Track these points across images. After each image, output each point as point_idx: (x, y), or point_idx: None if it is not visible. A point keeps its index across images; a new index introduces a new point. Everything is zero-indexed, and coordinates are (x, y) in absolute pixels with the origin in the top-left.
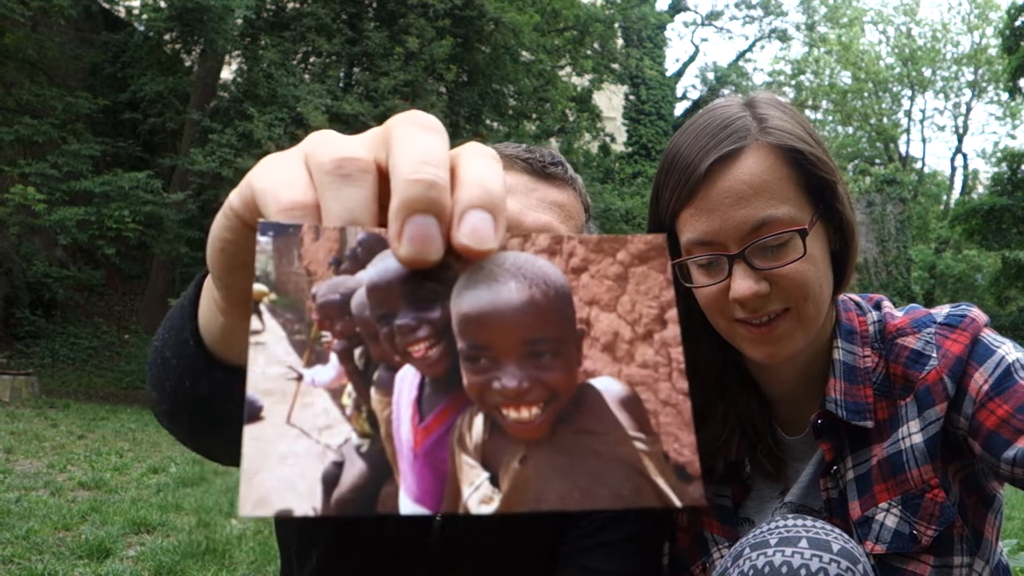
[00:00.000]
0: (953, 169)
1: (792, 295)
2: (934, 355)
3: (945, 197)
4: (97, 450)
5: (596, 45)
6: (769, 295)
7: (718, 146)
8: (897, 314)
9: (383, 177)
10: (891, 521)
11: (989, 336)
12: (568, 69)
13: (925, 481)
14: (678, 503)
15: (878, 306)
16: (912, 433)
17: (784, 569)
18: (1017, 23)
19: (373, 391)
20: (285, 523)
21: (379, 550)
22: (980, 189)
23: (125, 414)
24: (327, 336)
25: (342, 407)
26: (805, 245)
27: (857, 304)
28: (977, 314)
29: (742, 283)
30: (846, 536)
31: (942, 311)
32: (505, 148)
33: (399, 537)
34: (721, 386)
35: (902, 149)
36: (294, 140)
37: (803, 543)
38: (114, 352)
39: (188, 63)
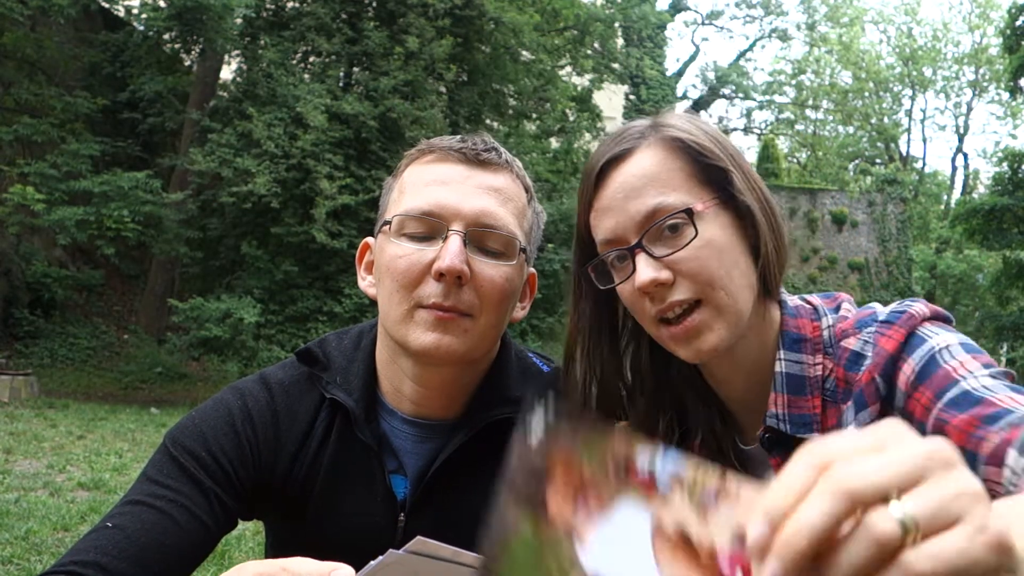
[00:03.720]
0: (954, 169)
1: (695, 281)
2: (869, 355)
3: (946, 197)
4: (96, 450)
5: (596, 45)
6: (674, 285)
7: (611, 149)
8: (849, 315)
9: None
10: None
11: (927, 328)
12: (568, 69)
13: None
14: None
15: (838, 308)
16: None
17: None
18: (1018, 22)
19: None
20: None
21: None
22: (981, 189)
23: (124, 414)
24: None
25: None
26: (696, 226)
27: (814, 308)
28: (919, 309)
29: (643, 271)
30: None
31: (887, 308)
32: (440, 141)
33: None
34: (670, 395)
35: (903, 149)
36: (293, 140)
37: None
38: (113, 352)
39: (187, 63)
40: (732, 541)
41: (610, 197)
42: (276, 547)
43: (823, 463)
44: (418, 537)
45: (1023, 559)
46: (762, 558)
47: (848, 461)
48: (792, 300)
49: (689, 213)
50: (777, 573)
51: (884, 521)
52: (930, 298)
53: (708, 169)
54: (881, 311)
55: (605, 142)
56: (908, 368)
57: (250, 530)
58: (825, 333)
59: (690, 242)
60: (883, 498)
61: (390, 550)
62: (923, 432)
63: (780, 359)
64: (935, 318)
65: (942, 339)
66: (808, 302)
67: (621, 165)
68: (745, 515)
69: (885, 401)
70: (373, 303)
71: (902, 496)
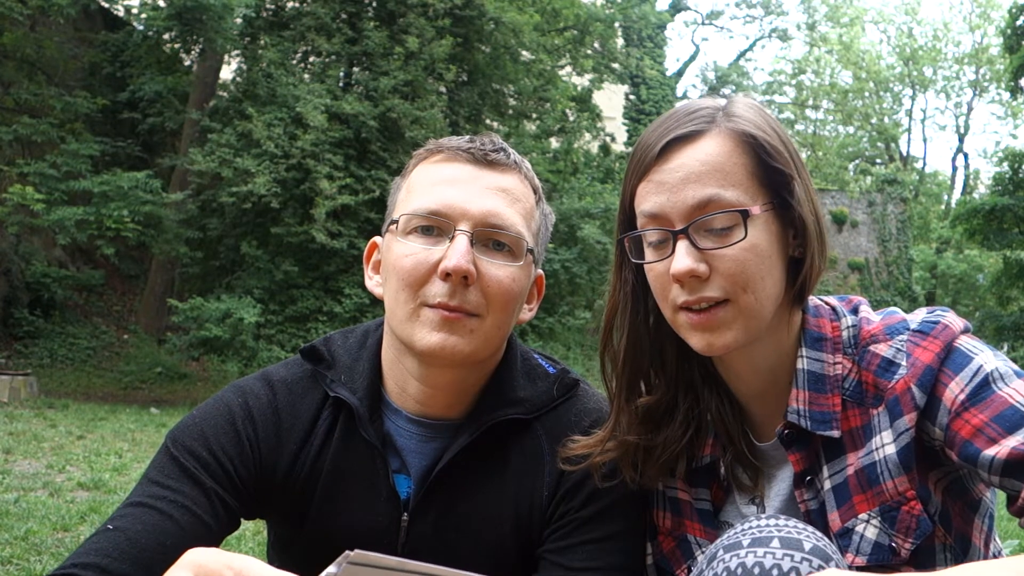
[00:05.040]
0: (954, 169)
1: (730, 282)
2: (903, 363)
3: (946, 197)
4: (96, 450)
5: (596, 45)
6: (708, 280)
7: (680, 127)
8: (873, 319)
9: None
10: (871, 533)
11: (966, 343)
12: (568, 69)
13: (901, 493)
14: None
15: (855, 310)
16: (885, 444)
17: (756, 570)
18: (1019, 22)
19: None
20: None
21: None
22: (981, 189)
23: (124, 414)
24: None
25: None
26: (747, 228)
27: (833, 309)
28: (951, 320)
29: (681, 259)
30: (819, 534)
31: (917, 317)
32: (449, 141)
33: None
34: (687, 382)
35: (903, 149)
36: (293, 140)
37: (775, 543)
38: (113, 352)
39: (187, 63)
40: None
41: (668, 173)
42: (278, 547)
43: None
44: (357, 550)
45: None
46: None
47: None
48: (812, 300)
49: (744, 214)
50: None
51: None
52: (931, 298)
53: (772, 171)
54: (911, 319)
55: (671, 117)
56: (956, 387)
57: (250, 530)
58: (845, 334)
59: (737, 243)
60: None
61: (329, 568)
62: (970, 451)
63: (802, 356)
64: (966, 330)
65: (987, 359)
66: (826, 303)
67: (686, 146)
68: None
69: (922, 412)
70: (374, 303)
71: None
